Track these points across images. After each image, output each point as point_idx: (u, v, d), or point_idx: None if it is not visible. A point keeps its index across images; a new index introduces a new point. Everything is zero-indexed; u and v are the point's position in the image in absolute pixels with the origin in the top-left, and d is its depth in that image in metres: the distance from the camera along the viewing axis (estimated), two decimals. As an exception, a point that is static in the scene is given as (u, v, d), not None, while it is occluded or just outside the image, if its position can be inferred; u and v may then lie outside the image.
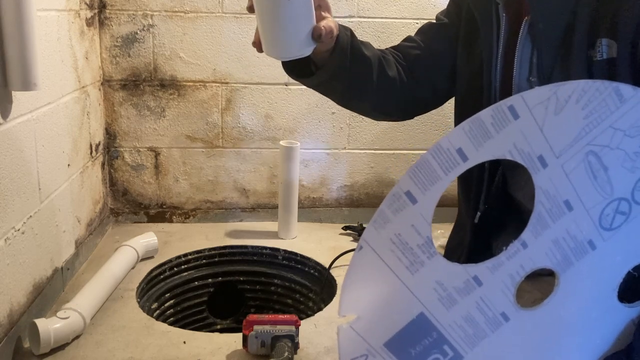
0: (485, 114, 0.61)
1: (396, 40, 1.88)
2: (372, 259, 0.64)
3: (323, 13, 0.86)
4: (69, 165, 1.46)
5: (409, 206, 0.62)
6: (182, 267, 1.66)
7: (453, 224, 1.13)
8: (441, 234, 1.86)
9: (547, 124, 0.63)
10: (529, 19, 0.85)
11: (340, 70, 0.92)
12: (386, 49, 1.09)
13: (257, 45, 0.84)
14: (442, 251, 1.20)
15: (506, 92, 0.89)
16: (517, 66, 0.87)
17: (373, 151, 1.95)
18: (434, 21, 1.07)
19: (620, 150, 0.66)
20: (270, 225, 1.89)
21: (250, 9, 0.81)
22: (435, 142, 0.62)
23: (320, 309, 1.42)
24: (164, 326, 1.29)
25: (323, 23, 0.83)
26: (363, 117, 1.44)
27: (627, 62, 0.77)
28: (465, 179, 1.00)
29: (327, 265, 1.61)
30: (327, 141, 1.91)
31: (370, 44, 1.02)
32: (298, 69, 0.93)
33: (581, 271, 0.69)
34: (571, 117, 0.63)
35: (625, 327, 0.75)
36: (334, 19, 0.88)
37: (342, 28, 0.93)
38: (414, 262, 0.65)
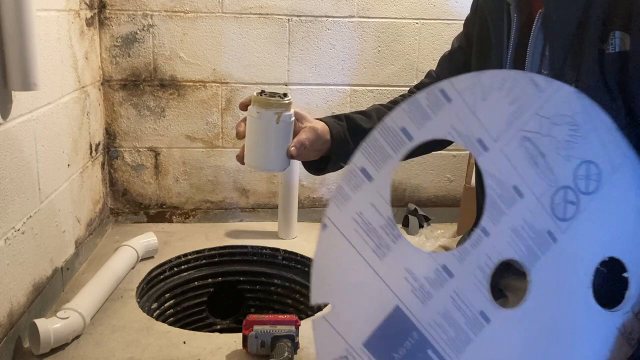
0: (420, 96, 0.64)
1: (396, 40, 1.91)
2: (338, 239, 0.64)
3: (300, 124, 0.96)
4: (69, 165, 1.46)
5: (366, 183, 0.64)
6: (182, 267, 1.66)
7: (454, 224, 1.13)
8: (441, 234, 1.87)
9: (479, 109, 0.65)
10: (543, 11, 0.84)
11: (346, 157, 0.98)
12: (409, 91, 1.13)
13: (240, 158, 0.98)
14: (443, 251, 1.20)
15: None
16: (529, 59, 0.87)
17: (373, 151, 1.95)
18: (449, 49, 1.10)
19: (552, 137, 0.68)
20: (270, 225, 1.89)
21: (240, 135, 0.97)
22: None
23: (320, 309, 1.42)
24: (164, 326, 1.29)
25: (294, 142, 0.93)
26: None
27: (639, 55, 0.76)
28: (482, 187, 1.01)
29: (327, 265, 1.60)
30: (327, 141, 1.91)
31: (376, 107, 1.06)
32: (314, 165, 1.02)
33: (548, 265, 0.69)
34: (498, 103, 0.66)
35: (615, 339, 0.74)
36: (310, 126, 0.96)
37: (333, 120, 1.00)
38: (380, 245, 0.65)
